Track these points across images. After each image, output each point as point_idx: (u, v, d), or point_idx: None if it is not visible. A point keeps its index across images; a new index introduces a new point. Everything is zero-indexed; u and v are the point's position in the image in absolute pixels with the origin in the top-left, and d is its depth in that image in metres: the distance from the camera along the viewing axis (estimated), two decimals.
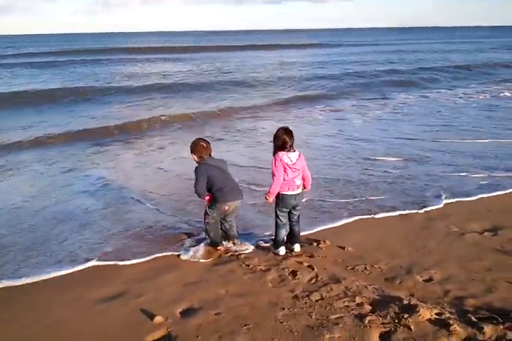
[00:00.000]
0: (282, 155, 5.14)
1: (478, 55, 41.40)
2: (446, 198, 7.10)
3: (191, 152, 5.46)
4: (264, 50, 52.58)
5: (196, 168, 5.37)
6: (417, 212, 6.58)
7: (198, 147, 5.41)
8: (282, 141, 5.13)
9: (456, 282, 4.60)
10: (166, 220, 6.56)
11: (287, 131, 5.18)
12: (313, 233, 5.93)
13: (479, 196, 7.19)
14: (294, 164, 5.15)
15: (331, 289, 4.48)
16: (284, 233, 5.45)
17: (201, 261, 5.30)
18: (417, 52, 44.86)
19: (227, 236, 5.69)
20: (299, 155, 5.22)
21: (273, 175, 5.18)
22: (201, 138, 5.57)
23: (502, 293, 4.34)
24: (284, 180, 5.16)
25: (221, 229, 5.65)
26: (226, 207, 5.40)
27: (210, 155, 5.46)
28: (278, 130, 5.22)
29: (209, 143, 5.52)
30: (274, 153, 5.22)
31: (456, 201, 7.01)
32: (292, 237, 5.50)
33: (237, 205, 5.50)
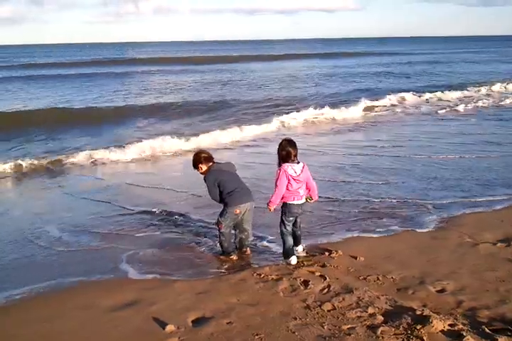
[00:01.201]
0: (287, 167, 5.24)
1: None
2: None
3: (196, 166, 5.57)
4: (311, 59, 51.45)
5: (205, 177, 5.47)
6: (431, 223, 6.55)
7: (202, 159, 5.53)
8: (286, 151, 5.23)
9: (470, 293, 4.56)
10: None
11: (291, 142, 5.31)
12: (326, 243, 5.92)
13: (492, 207, 7.13)
14: (298, 176, 5.26)
15: (343, 299, 4.46)
16: (291, 240, 5.51)
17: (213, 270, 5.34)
18: (471, 62, 43.51)
19: (240, 246, 5.69)
20: (303, 167, 5.32)
21: (275, 185, 5.28)
22: (200, 150, 5.78)
23: None
24: (288, 190, 5.27)
25: (236, 239, 5.65)
26: (238, 210, 5.41)
27: (213, 162, 5.57)
28: (282, 141, 5.36)
29: (208, 152, 5.68)
30: (279, 164, 5.33)
31: (469, 212, 6.96)
32: (295, 240, 5.59)
33: (248, 208, 5.50)
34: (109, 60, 52.72)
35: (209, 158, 5.56)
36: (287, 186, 5.24)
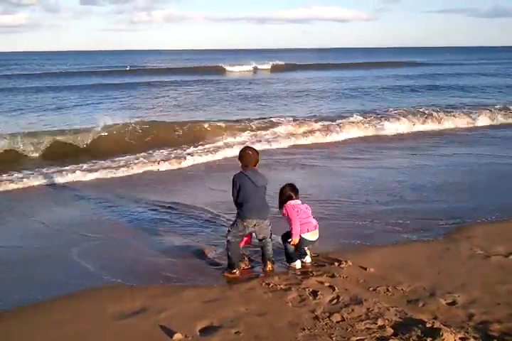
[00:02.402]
0: (288, 202, 5.51)
1: None
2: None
3: (238, 159, 5.47)
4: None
5: (234, 175, 5.40)
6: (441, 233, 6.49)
7: (244, 155, 5.38)
8: (287, 196, 5.54)
9: (481, 306, 4.51)
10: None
11: (292, 187, 5.62)
12: (334, 252, 5.89)
13: (504, 219, 7.05)
14: (302, 204, 5.53)
15: (353, 310, 4.43)
16: (292, 247, 5.52)
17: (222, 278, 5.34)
18: None
19: (263, 260, 5.55)
20: (303, 203, 5.60)
21: (289, 219, 5.45)
22: (249, 147, 5.61)
23: None
24: (300, 220, 5.42)
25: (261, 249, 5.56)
26: (245, 223, 5.32)
27: (255, 165, 5.39)
28: (284, 187, 5.63)
29: (257, 152, 5.45)
30: (280, 207, 5.58)
31: (480, 223, 6.89)
32: (301, 252, 5.61)
33: (255, 224, 5.31)
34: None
35: (249, 158, 5.34)
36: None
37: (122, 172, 10.37)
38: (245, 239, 5.54)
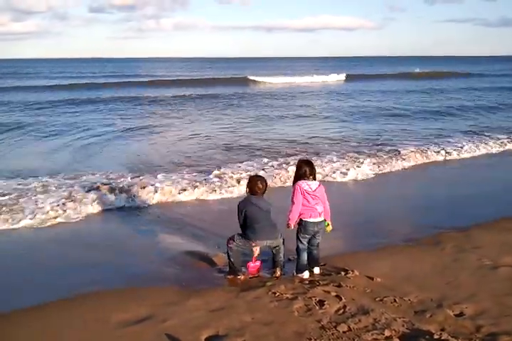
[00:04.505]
0: (302, 182, 5.37)
1: None
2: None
3: (247, 186, 5.53)
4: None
5: (239, 202, 5.49)
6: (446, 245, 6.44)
7: (253, 185, 5.44)
8: (303, 171, 5.39)
9: (489, 317, 4.46)
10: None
11: (308, 163, 5.49)
12: (339, 260, 5.85)
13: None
14: (314, 191, 5.36)
15: (359, 321, 4.39)
16: (305, 256, 5.52)
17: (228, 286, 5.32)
18: None
19: (274, 265, 5.63)
20: (319, 185, 5.43)
21: (292, 202, 5.37)
22: (261, 178, 5.59)
23: None
24: (305, 206, 5.34)
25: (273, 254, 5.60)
26: (253, 244, 5.44)
27: (262, 194, 5.47)
28: (299, 161, 5.56)
29: (266, 183, 5.52)
30: (294, 183, 5.44)
31: (488, 233, 6.84)
32: (311, 261, 5.57)
33: (267, 245, 5.49)
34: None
35: (257, 189, 5.41)
36: (303, 202, 5.32)
37: None
38: (256, 266, 5.59)
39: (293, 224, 5.38)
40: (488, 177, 10.45)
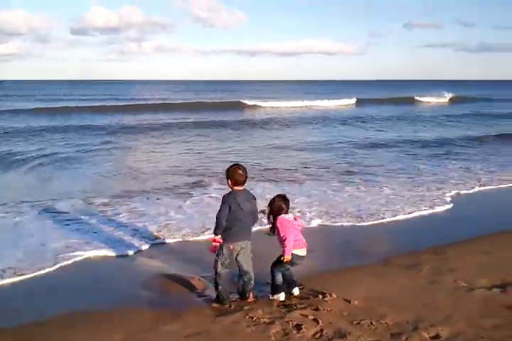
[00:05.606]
0: (283, 216, 5.43)
1: None
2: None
3: (226, 177, 5.30)
4: None
5: (224, 195, 5.26)
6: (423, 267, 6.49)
7: (235, 174, 5.22)
8: (278, 207, 5.45)
9: (464, 339, 4.48)
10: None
11: (283, 198, 5.52)
12: (317, 282, 5.85)
13: (488, 250, 7.09)
14: (295, 220, 5.48)
15: None
16: (281, 277, 5.48)
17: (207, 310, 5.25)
18: None
19: (243, 291, 5.45)
20: (296, 218, 5.58)
21: (282, 234, 5.33)
22: (239, 165, 5.34)
23: None
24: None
25: (239, 283, 5.43)
26: (231, 246, 5.23)
27: (243, 183, 5.25)
28: (273, 198, 5.55)
29: (246, 171, 5.29)
30: (269, 218, 5.52)
31: (464, 254, 6.92)
32: (289, 282, 5.53)
33: (243, 246, 5.26)
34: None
35: (240, 177, 5.19)
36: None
37: None
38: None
39: (290, 256, 5.31)
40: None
